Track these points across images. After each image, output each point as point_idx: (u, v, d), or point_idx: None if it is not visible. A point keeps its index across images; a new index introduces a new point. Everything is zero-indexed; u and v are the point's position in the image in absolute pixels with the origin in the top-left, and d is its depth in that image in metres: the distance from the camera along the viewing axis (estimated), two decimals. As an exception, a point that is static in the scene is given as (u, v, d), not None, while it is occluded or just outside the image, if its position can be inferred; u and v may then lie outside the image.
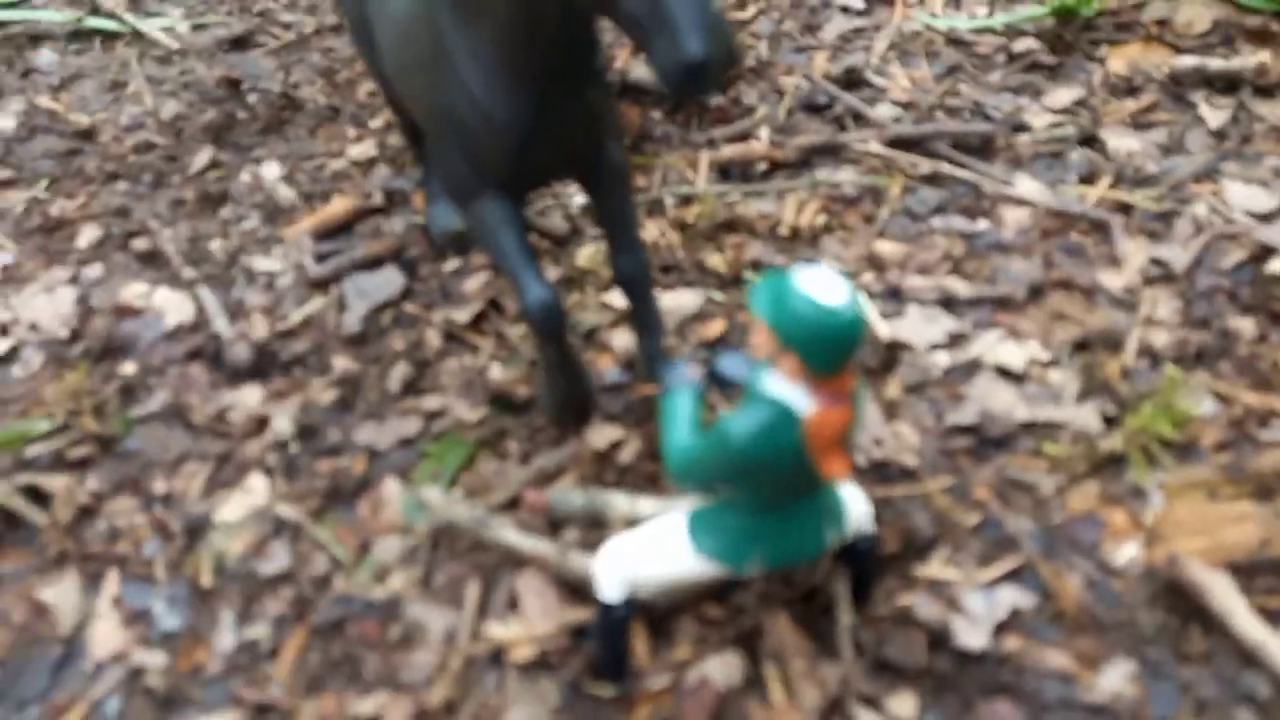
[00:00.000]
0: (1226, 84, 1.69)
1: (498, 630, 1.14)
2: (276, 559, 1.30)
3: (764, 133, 1.78)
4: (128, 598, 1.29)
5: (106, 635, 1.25)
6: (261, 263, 1.77)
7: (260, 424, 1.48)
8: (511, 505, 1.28)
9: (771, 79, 1.94)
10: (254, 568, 1.30)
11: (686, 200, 1.69)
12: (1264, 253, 1.39)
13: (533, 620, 1.15)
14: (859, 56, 1.92)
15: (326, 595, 1.24)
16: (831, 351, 0.80)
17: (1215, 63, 1.70)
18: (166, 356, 1.62)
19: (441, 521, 1.23)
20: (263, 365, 1.57)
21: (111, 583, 1.30)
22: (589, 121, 1.17)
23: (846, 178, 1.66)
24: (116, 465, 1.45)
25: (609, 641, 1.06)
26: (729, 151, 1.74)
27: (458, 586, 1.22)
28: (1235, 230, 1.44)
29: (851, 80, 1.87)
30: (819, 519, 0.94)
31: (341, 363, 1.55)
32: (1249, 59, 1.69)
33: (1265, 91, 1.67)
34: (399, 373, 1.50)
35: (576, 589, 1.17)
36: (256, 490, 1.39)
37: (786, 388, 0.83)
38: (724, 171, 1.75)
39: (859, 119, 1.79)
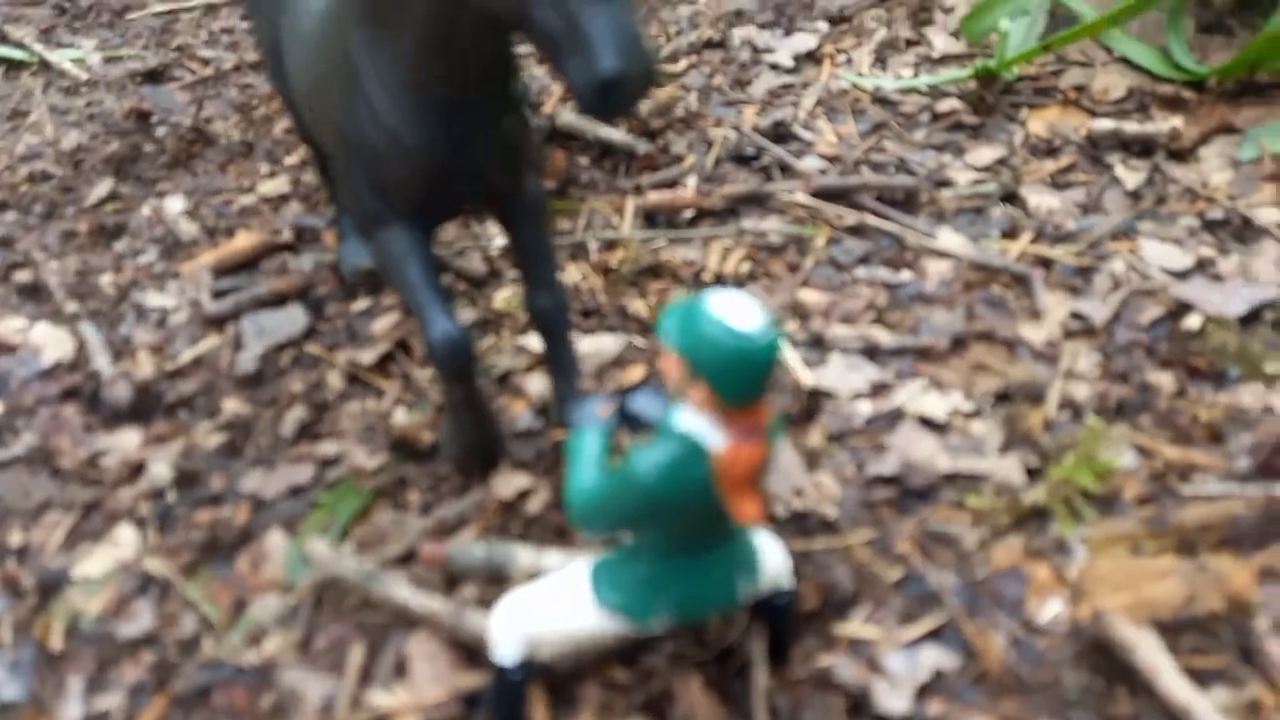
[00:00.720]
0: (1141, 147, 1.72)
1: (381, 699, 1.03)
2: (139, 620, 1.18)
3: (691, 181, 1.75)
4: (-34, 663, 1.15)
5: (-64, 705, 1.11)
6: (154, 299, 1.67)
7: (135, 470, 1.36)
8: (407, 559, 1.18)
9: (700, 130, 1.92)
10: (113, 629, 1.17)
11: (611, 245, 1.64)
12: (1180, 309, 1.39)
13: (421, 686, 1.04)
14: (787, 111, 1.92)
15: (192, 660, 1.12)
16: (743, 379, 0.74)
17: (1131, 126, 1.73)
18: (39, 396, 1.50)
19: (326, 577, 1.12)
20: (144, 407, 1.45)
21: (-51, 645, 1.16)
22: (504, 149, 1.11)
23: (772, 226, 1.63)
24: (-30, 513, 1.32)
25: (505, 709, 0.97)
26: (655, 198, 1.70)
27: (340, 649, 1.11)
28: (1152, 286, 1.43)
29: (780, 134, 1.86)
30: (730, 568, 0.86)
31: (232, 405, 1.44)
32: (1162, 124, 1.72)
33: (1178, 155, 1.70)
34: (294, 416, 1.40)
35: (472, 651, 1.07)
36: (124, 543, 1.27)
37: (696, 421, 0.77)
38: (650, 218, 1.71)
39: (786, 170, 1.78)
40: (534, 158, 1.21)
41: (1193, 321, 1.36)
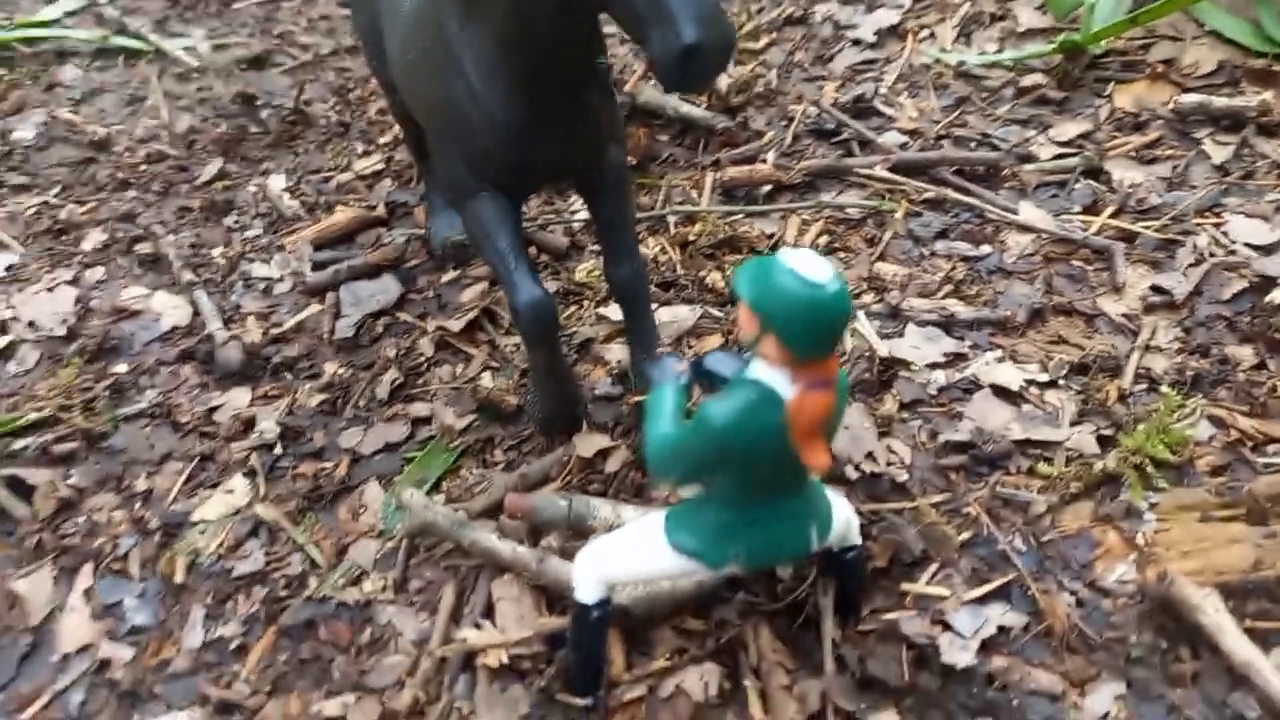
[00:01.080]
0: (1230, 122, 1.68)
1: (471, 635, 1.11)
2: (251, 559, 1.28)
3: (770, 156, 1.78)
4: (100, 592, 1.27)
5: (75, 628, 1.23)
6: (261, 269, 1.78)
7: (246, 425, 1.46)
8: (494, 512, 1.25)
9: (781, 106, 1.94)
10: (228, 567, 1.27)
11: (689, 219, 1.69)
12: (1264, 283, 1.37)
13: (507, 627, 1.12)
14: (868, 87, 1.93)
15: (299, 597, 1.22)
16: (813, 333, 0.78)
17: (1219, 101, 1.69)
18: (159, 358, 1.62)
19: (420, 525, 1.20)
20: (253, 368, 1.56)
21: (85, 576, 1.28)
22: (589, 123, 1.17)
23: (850, 200, 1.65)
24: (101, 461, 1.44)
25: (585, 647, 1.03)
26: (734, 172, 1.74)
27: (432, 591, 1.19)
28: (1235, 261, 1.42)
29: (860, 109, 1.88)
30: (804, 517, 0.91)
31: (332, 368, 1.54)
32: (1252, 98, 1.68)
33: (1267, 130, 1.67)
34: (388, 379, 1.49)
35: (554, 597, 1.14)
36: (237, 491, 1.38)
37: (768, 371, 0.81)
38: (728, 192, 1.74)
39: (866, 145, 1.79)
40: (617, 133, 1.26)
41: (1276, 296, 1.34)
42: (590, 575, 0.99)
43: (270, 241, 1.85)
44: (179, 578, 1.26)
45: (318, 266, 1.76)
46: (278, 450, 1.42)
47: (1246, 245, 1.44)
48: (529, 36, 1.06)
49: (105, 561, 1.30)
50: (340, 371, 1.53)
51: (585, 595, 1.00)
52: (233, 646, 1.18)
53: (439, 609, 1.16)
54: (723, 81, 1.94)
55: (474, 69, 1.13)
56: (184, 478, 1.40)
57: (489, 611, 1.15)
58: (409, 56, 1.28)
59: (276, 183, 2.02)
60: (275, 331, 1.63)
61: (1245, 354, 1.27)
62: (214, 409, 1.50)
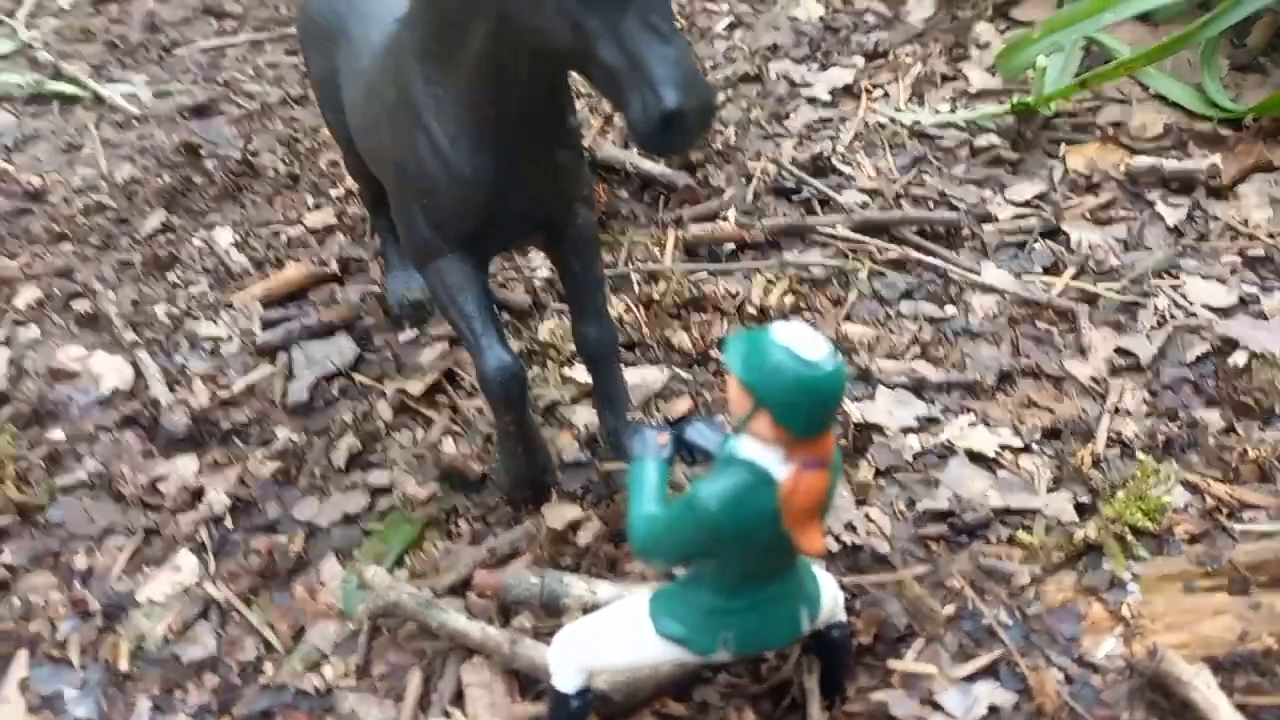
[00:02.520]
0: (1181, 184, 1.73)
1: (440, 725, 1.05)
2: (202, 643, 1.20)
3: (731, 214, 1.78)
4: (37, 682, 1.17)
5: (8, 724, 1.14)
6: (207, 328, 1.70)
7: (194, 497, 1.39)
8: (460, 589, 1.20)
9: (739, 163, 1.95)
10: (177, 652, 1.19)
11: (653, 277, 1.67)
12: (1225, 346, 1.40)
13: (479, 715, 1.06)
14: (825, 145, 1.95)
15: (254, 684, 1.15)
16: (808, 411, 0.76)
17: (1170, 164, 1.74)
18: (99, 423, 1.53)
19: (383, 605, 1.14)
20: (201, 435, 1.48)
21: (20, 665, 1.19)
22: (558, 182, 1.14)
23: (814, 260, 1.65)
24: (36, 537, 1.35)
25: (562, 738, 0.98)
26: (697, 230, 1.73)
27: (398, 677, 1.13)
28: (1196, 324, 1.44)
29: (819, 167, 1.89)
30: (794, 600, 0.88)
31: (285, 434, 1.47)
32: (1201, 161, 1.73)
33: (1216, 192, 1.72)
34: (345, 445, 1.43)
35: (528, 681, 1.08)
36: (185, 568, 1.30)
37: (760, 450, 0.79)
38: (691, 250, 1.73)
39: (826, 204, 1.80)
40: (586, 192, 1.24)
41: (1239, 359, 1.37)
42: (570, 662, 0.95)
43: (217, 299, 1.78)
44: (123, 665, 1.18)
45: (268, 325, 1.69)
46: (228, 523, 1.35)
47: (1205, 307, 1.47)
48: (498, 95, 1.04)
49: (42, 648, 1.20)
50: (294, 438, 1.47)
51: (564, 684, 0.96)
52: (182, 741, 1.10)
53: (405, 696, 1.09)
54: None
55: (439, 126, 1.10)
56: (127, 554, 1.32)
57: (458, 698, 1.09)
58: (369, 112, 1.24)
59: (223, 236, 1.94)
60: (224, 395, 1.56)
61: (1213, 418, 1.29)
62: (158, 479, 1.42)
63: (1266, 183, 1.70)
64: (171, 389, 1.57)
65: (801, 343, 0.75)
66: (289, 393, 1.55)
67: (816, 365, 0.75)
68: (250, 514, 1.36)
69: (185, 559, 1.31)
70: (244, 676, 1.16)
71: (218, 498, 1.37)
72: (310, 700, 1.12)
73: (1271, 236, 1.59)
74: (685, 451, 0.94)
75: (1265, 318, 1.44)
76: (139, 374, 1.61)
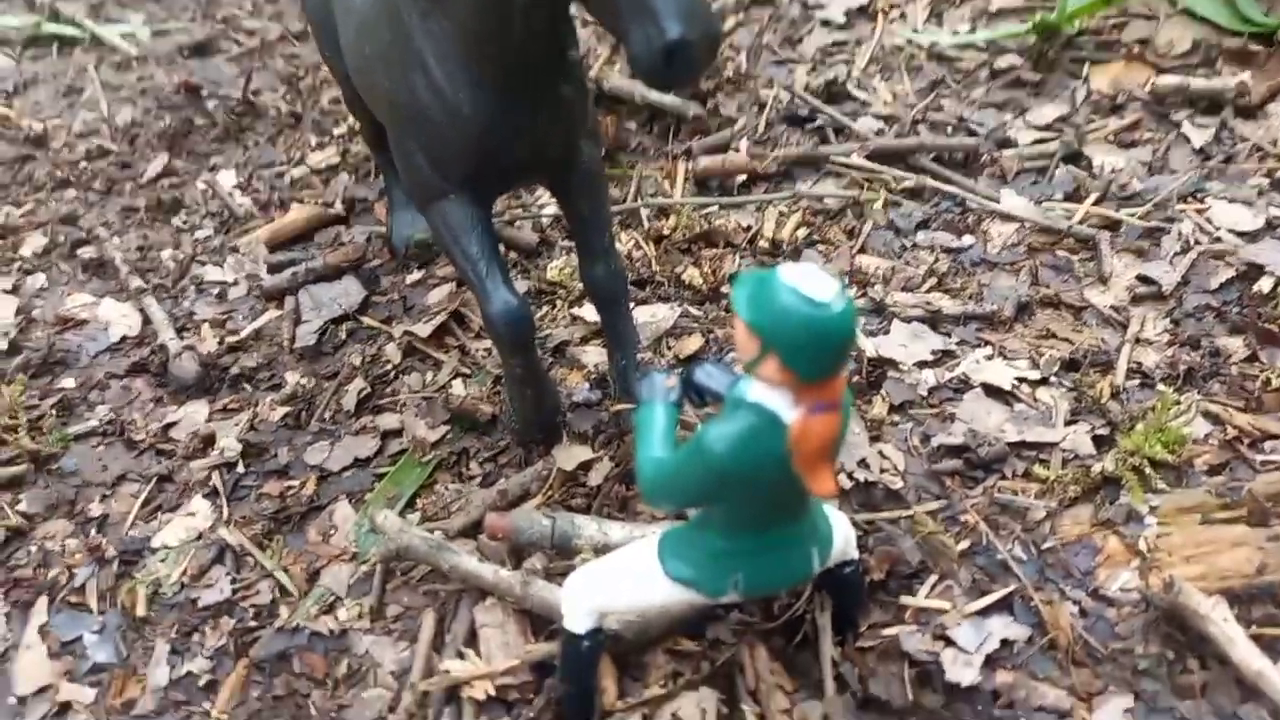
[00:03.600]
0: (1209, 103, 1.67)
1: (454, 666, 1.05)
2: (218, 587, 1.21)
3: (744, 144, 1.73)
4: (57, 628, 1.19)
5: (32, 668, 1.15)
6: (214, 273, 1.69)
7: (206, 442, 1.39)
8: (472, 531, 1.20)
9: (751, 91, 1.89)
10: (193, 596, 1.20)
11: (663, 212, 1.63)
12: (1251, 271, 1.35)
13: (492, 655, 1.06)
14: (840, 70, 1.88)
15: (270, 627, 1.15)
16: (819, 355, 0.73)
17: (1197, 82, 1.67)
18: (109, 371, 1.53)
19: (395, 549, 1.15)
20: (210, 380, 1.48)
21: (40, 611, 1.20)
22: (562, 118, 1.10)
23: (829, 191, 1.61)
24: (51, 485, 1.36)
25: (575, 677, 0.99)
26: (707, 162, 1.68)
27: (411, 619, 1.13)
28: (1221, 249, 1.40)
29: (833, 93, 1.83)
30: (804, 541, 0.86)
31: (294, 378, 1.47)
32: (1230, 80, 1.66)
33: (1246, 112, 1.65)
34: (355, 389, 1.42)
35: (540, 622, 1.09)
36: (199, 513, 1.30)
37: (769, 393, 0.76)
38: (702, 183, 1.69)
39: (841, 132, 1.75)
40: (590, 127, 1.20)
41: (1264, 284, 1.32)
42: (581, 604, 0.94)
43: (222, 243, 1.76)
44: (141, 610, 1.19)
45: (274, 269, 1.68)
46: (240, 468, 1.35)
47: (1231, 232, 1.42)
48: (498, 29, 1.00)
49: (61, 594, 1.22)
50: (303, 382, 1.46)
51: (575, 625, 0.95)
52: (202, 683, 1.11)
53: (419, 638, 1.10)
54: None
55: (438, 63, 1.07)
56: (141, 501, 1.32)
57: (472, 639, 1.09)
58: (365, 50, 1.21)
59: (226, 179, 1.92)
60: (232, 340, 1.55)
61: (1236, 345, 1.26)
62: (170, 425, 1.43)
63: (1299, 100, 1.63)
64: (180, 335, 1.56)
65: (810, 283, 0.72)
66: (297, 337, 1.54)
67: (825, 306, 0.72)
68: (262, 459, 1.36)
69: (199, 504, 1.31)
70: (259, 620, 1.17)
71: (229, 443, 1.37)
72: (325, 642, 1.13)
73: (1303, 157, 1.53)
74: (694, 394, 0.92)
75: (1294, 242, 1.39)
76: (147, 320, 1.60)
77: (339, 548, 1.23)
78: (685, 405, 0.92)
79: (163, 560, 1.25)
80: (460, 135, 1.08)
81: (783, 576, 0.88)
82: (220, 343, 1.54)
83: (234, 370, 1.49)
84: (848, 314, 0.73)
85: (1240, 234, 1.42)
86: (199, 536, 1.27)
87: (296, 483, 1.32)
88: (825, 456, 0.77)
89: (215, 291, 1.66)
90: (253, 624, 1.17)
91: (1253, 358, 1.24)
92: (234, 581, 1.21)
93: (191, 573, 1.23)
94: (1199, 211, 1.47)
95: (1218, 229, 1.43)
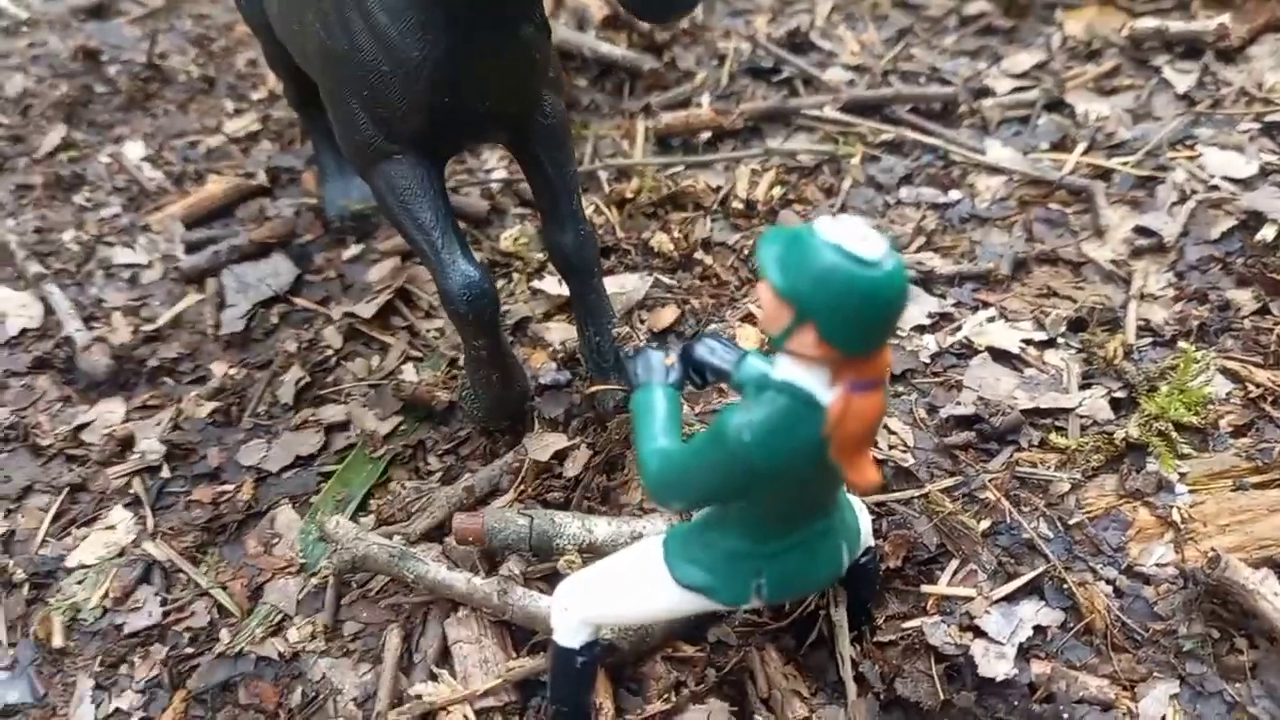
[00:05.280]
0: (1188, 47, 1.60)
1: (426, 690, 0.93)
2: (146, 610, 1.07)
3: (705, 99, 1.61)
4: (-44, 667, 1.03)
5: (-74, 718, 1.00)
6: (123, 255, 1.51)
7: (123, 445, 1.23)
8: (437, 535, 1.07)
9: (709, 43, 1.77)
10: (118, 622, 1.06)
11: (624, 174, 1.51)
12: (1252, 220, 1.29)
13: (469, 675, 0.94)
14: (802, 19, 1.77)
15: (209, 653, 1.02)
16: (865, 322, 0.61)
17: (1175, 25, 1.60)
18: (8, 368, 1.36)
19: (350, 557, 1.01)
20: (125, 375, 1.32)
21: (-66, 649, 1.04)
22: (523, 63, 0.96)
23: (802, 146, 1.50)
24: (-56, 502, 1.19)
25: (568, 696, 0.87)
26: (668, 119, 1.56)
27: (373, 637, 1.00)
28: (1219, 197, 1.33)
29: (796, 43, 1.72)
30: (834, 536, 0.75)
31: (221, 369, 1.31)
32: (1208, 22, 1.60)
33: (1226, 55, 1.59)
34: (291, 378, 1.27)
35: (521, 634, 0.97)
36: (120, 526, 1.15)
37: (801, 372, 0.65)
38: (663, 141, 1.57)
39: (809, 83, 1.64)
40: (554, 77, 1.06)
41: (1267, 233, 1.26)
42: (574, 616, 0.83)
43: (132, 221, 1.58)
44: (58, 640, 1.04)
45: (192, 248, 1.51)
46: (165, 473, 1.20)
47: (1226, 179, 1.35)
48: None
49: (-41, 628, 1.06)
50: (232, 373, 1.30)
51: (568, 639, 0.84)
52: (132, 723, 0.97)
53: (383, 658, 0.97)
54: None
55: (378, 3, 0.92)
56: (52, 514, 1.17)
57: (444, 658, 0.97)
58: (291, -6, 1.05)
59: (133, 151, 1.73)
60: (148, 329, 1.38)
61: (1245, 298, 1.19)
62: (81, 427, 1.26)
63: (1279, 43, 1.57)
64: (88, 325, 1.39)
65: (854, 238, 0.60)
66: (222, 323, 1.38)
67: (875, 265, 0.60)
68: (189, 461, 1.21)
69: (119, 516, 1.16)
70: (196, 645, 1.03)
71: (150, 445, 1.22)
72: (275, 667, 0.99)
73: (1290, 99, 1.46)
74: (695, 373, 0.81)
75: (1291, 187, 1.32)
76: (49, 310, 1.42)
77: (284, 559, 1.09)
78: (686, 386, 0.81)
79: (80, 582, 1.10)
80: (407, 85, 0.94)
81: (811, 578, 0.76)
82: (134, 332, 1.37)
83: (152, 363, 1.33)
84: (899, 273, 0.62)
85: (1236, 181, 1.35)
86: (121, 553, 1.12)
87: (230, 487, 1.17)
88: (867, 442, 0.66)
89: (126, 275, 1.48)
90: (189, 650, 1.03)
91: (1264, 310, 1.18)
92: (164, 603, 1.07)
93: (115, 595, 1.08)
94: (1191, 159, 1.40)
95: (1212, 177, 1.36)
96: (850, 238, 0.61)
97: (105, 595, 1.08)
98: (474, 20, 0.90)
